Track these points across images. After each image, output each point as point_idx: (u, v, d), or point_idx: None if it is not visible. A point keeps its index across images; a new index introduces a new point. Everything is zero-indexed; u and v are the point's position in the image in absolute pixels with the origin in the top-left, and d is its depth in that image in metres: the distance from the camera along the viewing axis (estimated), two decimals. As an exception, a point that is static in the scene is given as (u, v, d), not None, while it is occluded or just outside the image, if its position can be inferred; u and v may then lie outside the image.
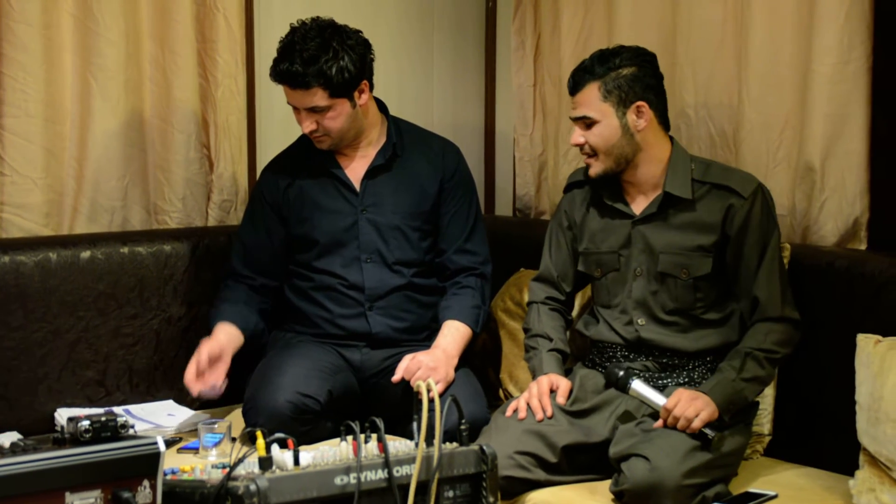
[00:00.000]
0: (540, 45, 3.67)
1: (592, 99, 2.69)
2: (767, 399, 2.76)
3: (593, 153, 2.72)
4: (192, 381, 2.83)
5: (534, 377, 2.78)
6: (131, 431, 1.97)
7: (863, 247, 2.89)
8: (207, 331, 3.00)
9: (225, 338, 2.93)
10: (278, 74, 2.94)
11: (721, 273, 2.70)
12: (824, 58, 2.87)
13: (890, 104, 2.80)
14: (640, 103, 2.69)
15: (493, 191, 3.94)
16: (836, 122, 2.88)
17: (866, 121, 2.85)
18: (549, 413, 2.65)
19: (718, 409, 2.52)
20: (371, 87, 3.04)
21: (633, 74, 2.68)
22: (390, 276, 3.05)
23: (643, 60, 2.72)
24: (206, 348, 2.87)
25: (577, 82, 2.71)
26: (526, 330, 2.91)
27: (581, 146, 2.73)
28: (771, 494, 2.49)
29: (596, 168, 2.73)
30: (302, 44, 2.90)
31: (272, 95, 3.39)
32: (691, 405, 2.49)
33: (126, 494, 1.89)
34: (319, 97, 2.92)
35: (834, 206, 2.91)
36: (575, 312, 3.02)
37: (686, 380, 2.70)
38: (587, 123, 2.70)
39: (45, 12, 3.09)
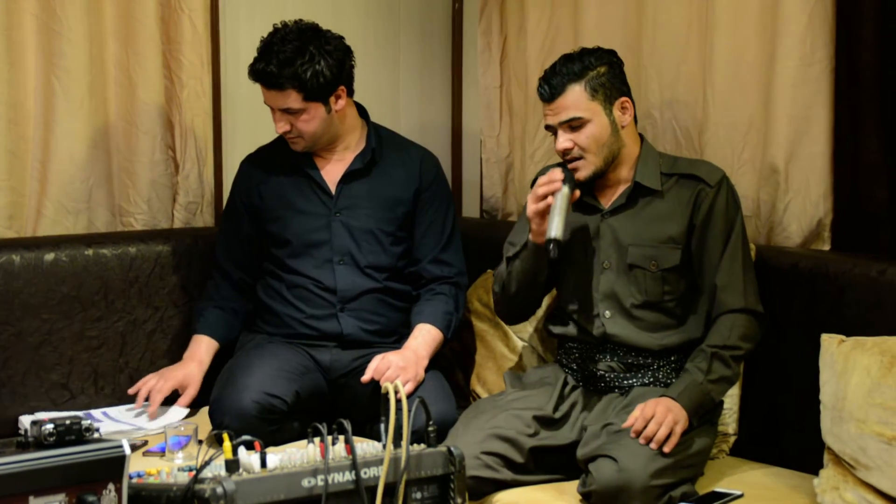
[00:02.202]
0: (506, 46, 3.68)
1: (580, 99, 2.68)
2: (733, 399, 2.78)
3: (580, 156, 2.71)
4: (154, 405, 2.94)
5: (533, 239, 2.71)
6: (96, 435, 1.96)
7: (826, 248, 2.92)
8: (178, 331, 3.08)
9: (197, 367, 3.01)
10: (254, 73, 2.95)
11: (689, 265, 2.72)
12: (788, 60, 2.89)
13: (852, 106, 2.82)
14: (623, 99, 2.71)
15: (460, 192, 3.94)
16: (800, 124, 2.90)
17: (829, 123, 2.88)
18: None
19: (688, 414, 2.53)
20: (351, 94, 3.04)
21: (609, 72, 2.71)
22: (362, 279, 3.05)
23: (612, 59, 2.74)
24: (173, 381, 2.96)
25: (555, 87, 2.68)
26: (497, 273, 2.87)
27: (569, 150, 2.70)
28: (737, 494, 2.51)
29: (586, 171, 2.71)
30: (280, 45, 2.91)
31: (238, 97, 3.38)
32: (666, 419, 2.49)
33: (91, 498, 1.88)
34: (293, 99, 2.92)
35: (798, 208, 2.93)
36: (541, 312, 3.03)
37: (651, 380, 2.71)
38: (574, 126, 2.69)
39: (8, 13, 3.07)
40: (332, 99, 2.98)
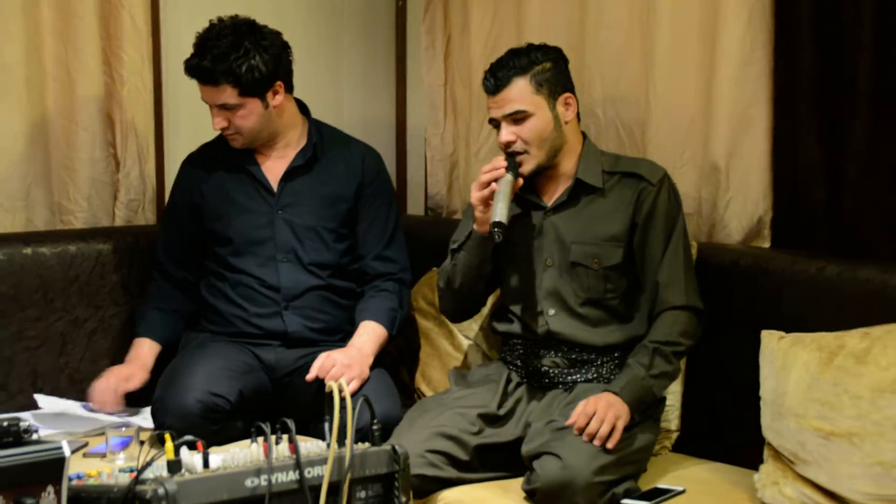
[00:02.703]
0: (450, 44, 3.68)
1: (524, 93, 2.69)
2: (675, 395, 2.81)
3: (523, 150, 2.72)
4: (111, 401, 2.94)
5: (474, 225, 2.73)
6: (35, 436, 1.93)
7: (766, 245, 2.95)
8: (120, 331, 3.09)
9: (140, 369, 2.99)
10: (189, 69, 2.94)
11: (631, 263, 2.74)
12: (728, 59, 2.92)
13: (791, 105, 2.86)
14: (567, 95, 2.73)
15: (405, 190, 3.94)
16: (740, 123, 2.94)
17: (769, 122, 2.91)
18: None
19: (630, 409, 2.55)
20: (290, 89, 3.03)
21: (554, 68, 2.72)
22: (306, 277, 3.04)
23: (557, 56, 2.76)
24: (115, 381, 2.95)
25: (500, 79, 2.70)
26: (441, 268, 2.87)
27: (511, 143, 2.71)
28: (678, 490, 2.53)
29: (529, 165, 2.72)
30: (215, 40, 2.90)
31: (180, 93, 3.35)
32: (608, 415, 2.50)
33: (30, 501, 1.84)
34: (228, 95, 2.91)
35: (738, 206, 2.96)
36: (486, 310, 3.03)
37: (595, 375, 2.73)
38: (517, 119, 2.70)
39: (-58, 9, 3.03)
40: (270, 94, 2.96)
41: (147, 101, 3.36)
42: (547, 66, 2.71)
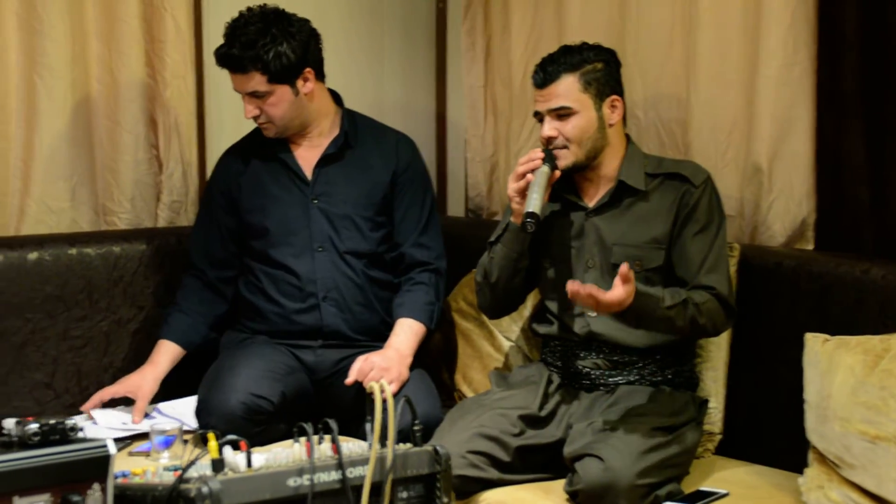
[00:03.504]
0: (490, 46, 3.68)
1: (571, 90, 2.69)
2: (718, 398, 2.79)
3: (564, 145, 2.72)
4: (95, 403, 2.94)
5: (511, 217, 2.74)
6: (80, 434, 1.95)
7: (810, 247, 2.93)
8: (157, 332, 3.04)
9: (151, 373, 2.99)
10: (219, 58, 2.97)
11: (672, 265, 2.72)
12: (770, 60, 2.91)
13: (834, 106, 2.84)
14: (614, 97, 2.73)
15: (445, 191, 3.94)
16: (783, 124, 2.92)
17: (812, 122, 2.89)
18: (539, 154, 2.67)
19: (630, 310, 2.50)
20: (320, 77, 3.04)
21: (605, 69, 2.73)
22: (343, 266, 3.05)
23: (609, 57, 2.77)
24: (122, 387, 2.95)
25: (549, 73, 2.70)
26: (479, 263, 2.87)
27: (553, 138, 2.71)
28: (722, 493, 2.51)
29: (567, 160, 2.72)
30: (243, 28, 2.93)
31: (222, 95, 3.37)
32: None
33: (76, 498, 1.87)
34: (257, 82, 2.93)
35: (781, 207, 2.94)
36: (527, 311, 3.03)
37: (637, 377, 2.72)
38: (561, 115, 2.70)
39: (-11, 12, 3.06)
40: (299, 81, 2.97)
41: (190, 102, 3.38)
42: (598, 66, 2.72)
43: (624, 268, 2.46)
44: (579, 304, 2.55)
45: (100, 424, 2.88)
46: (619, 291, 2.46)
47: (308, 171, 3.07)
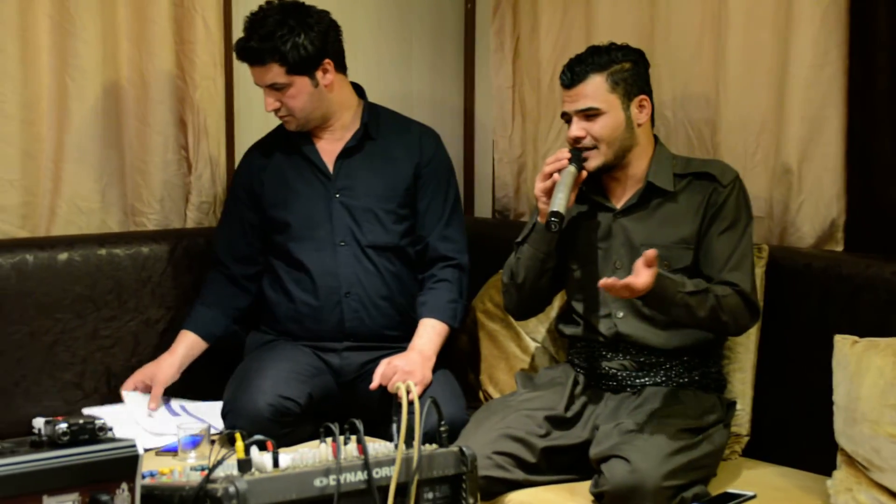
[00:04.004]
0: (519, 46, 3.67)
1: (599, 90, 2.69)
2: (745, 400, 2.78)
3: (592, 146, 2.71)
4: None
5: (538, 217, 2.74)
6: (109, 434, 1.96)
7: (840, 248, 2.91)
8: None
9: (168, 360, 3.03)
10: (238, 51, 2.99)
11: (699, 263, 2.71)
12: (800, 61, 2.89)
13: (865, 107, 2.82)
14: (642, 97, 2.72)
15: (472, 192, 3.94)
16: (813, 125, 2.90)
17: (842, 123, 2.87)
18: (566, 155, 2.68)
19: (652, 293, 2.48)
20: (341, 69, 3.04)
21: (633, 69, 2.72)
22: (364, 261, 3.04)
23: (637, 57, 2.76)
24: (140, 375, 3.02)
25: (577, 73, 2.70)
26: (506, 263, 2.87)
27: (581, 139, 2.71)
28: (749, 495, 2.50)
29: (595, 161, 2.72)
30: (261, 21, 2.95)
31: (251, 97, 3.38)
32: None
33: (104, 497, 1.88)
34: (276, 73, 2.94)
35: (811, 208, 2.92)
36: (554, 312, 3.02)
37: (664, 378, 2.71)
38: (589, 115, 2.70)
39: (22, 13, 3.08)
40: (319, 73, 2.98)
41: (219, 103, 3.40)
42: (626, 66, 2.71)
43: (651, 252, 2.44)
44: (614, 296, 2.53)
45: (127, 403, 2.95)
46: (646, 275, 2.45)
47: (330, 164, 3.08)
